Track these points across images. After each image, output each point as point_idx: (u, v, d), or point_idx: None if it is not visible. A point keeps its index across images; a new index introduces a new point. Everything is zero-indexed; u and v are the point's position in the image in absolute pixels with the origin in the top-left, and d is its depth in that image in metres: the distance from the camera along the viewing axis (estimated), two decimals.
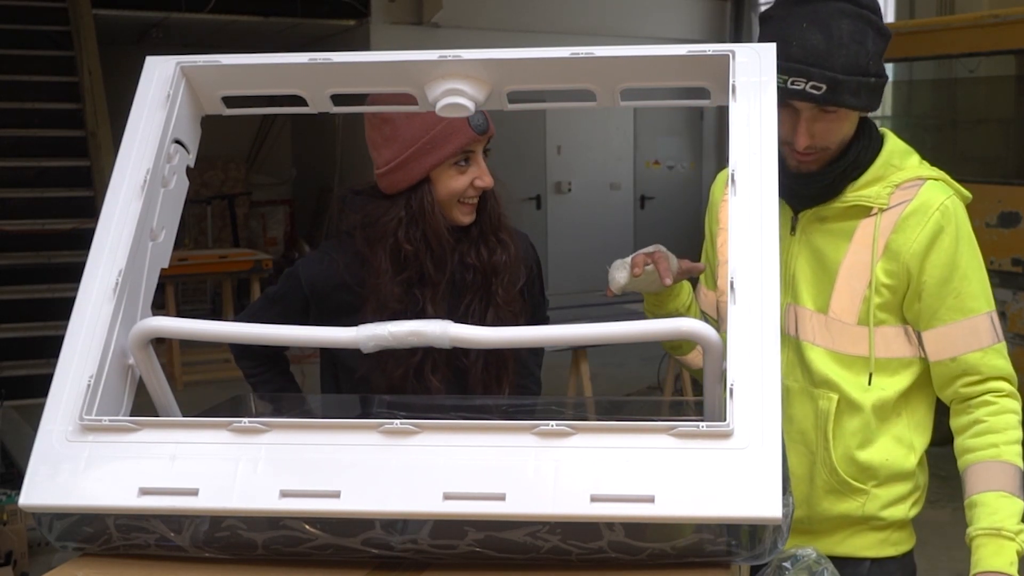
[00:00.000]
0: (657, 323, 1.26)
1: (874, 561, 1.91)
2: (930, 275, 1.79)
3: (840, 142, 1.80)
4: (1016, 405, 1.81)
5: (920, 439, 1.91)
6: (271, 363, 2.09)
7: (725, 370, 1.20)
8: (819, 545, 1.84)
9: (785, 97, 1.72)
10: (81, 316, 1.30)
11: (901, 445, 1.88)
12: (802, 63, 1.72)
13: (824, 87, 1.71)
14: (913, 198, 1.80)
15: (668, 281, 1.77)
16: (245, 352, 2.08)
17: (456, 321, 1.81)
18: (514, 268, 1.96)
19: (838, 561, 1.87)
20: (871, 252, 1.80)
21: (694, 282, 2.06)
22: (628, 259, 1.81)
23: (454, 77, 1.46)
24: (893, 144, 1.87)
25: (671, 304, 1.97)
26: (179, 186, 1.47)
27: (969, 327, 1.80)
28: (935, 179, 1.84)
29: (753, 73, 1.39)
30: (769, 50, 1.41)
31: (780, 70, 1.70)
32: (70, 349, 1.28)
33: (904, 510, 1.91)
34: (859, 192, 1.82)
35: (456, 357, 1.91)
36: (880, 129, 1.90)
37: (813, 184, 1.83)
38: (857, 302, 1.82)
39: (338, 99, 1.55)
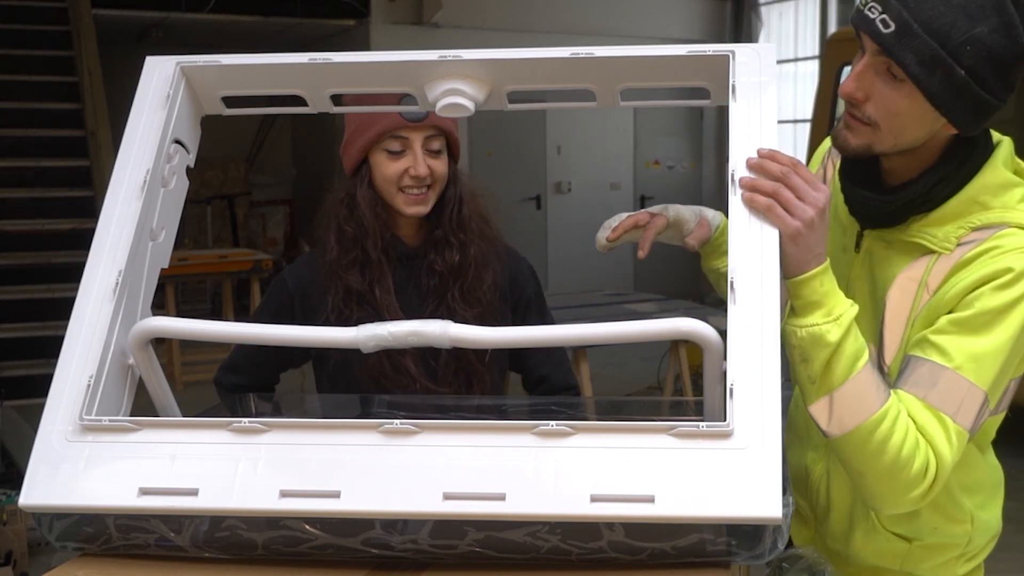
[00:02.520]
0: (657, 323, 1.26)
1: None
2: (953, 304, 1.41)
3: (895, 132, 1.43)
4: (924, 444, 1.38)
5: (973, 501, 1.60)
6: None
7: (725, 370, 1.20)
8: None
9: (854, 22, 1.42)
10: (81, 316, 1.30)
11: (949, 514, 1.58)
12: None
13: (894, 27, 1.36)
14: (984, 240, 1.42)
15: (642, 254, 1.65)
16: (240, 367, 2.03)
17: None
18: (478, 269, 1.94)
19: None
20: (910, 307, 1.48)
21: None
22: (618, 217, 1.70)
23: (454, 77, 1.46)
24: (992, 175, 1.47)
25: (717, 261, 1.71)
26: (179, 186, 1.47)
27: (940, 377, 1.39)
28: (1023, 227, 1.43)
29: (753, 73, 1.39)
30: (769, 50, 1.41)
31: None
32: (70, 349, 1.28)
33: (952, 570, 1.63)
34: (925, 228, 1.48)
35: (425, 352, 1.90)
36: (997, 150, 1.51)
37: (871, 207, 1.52)
38: (896, 344, 1.50)
39: (338, 99, 1.55)
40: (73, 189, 8.16)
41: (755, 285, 1.24)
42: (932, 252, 1.46)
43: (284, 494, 1.17)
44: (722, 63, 1.41)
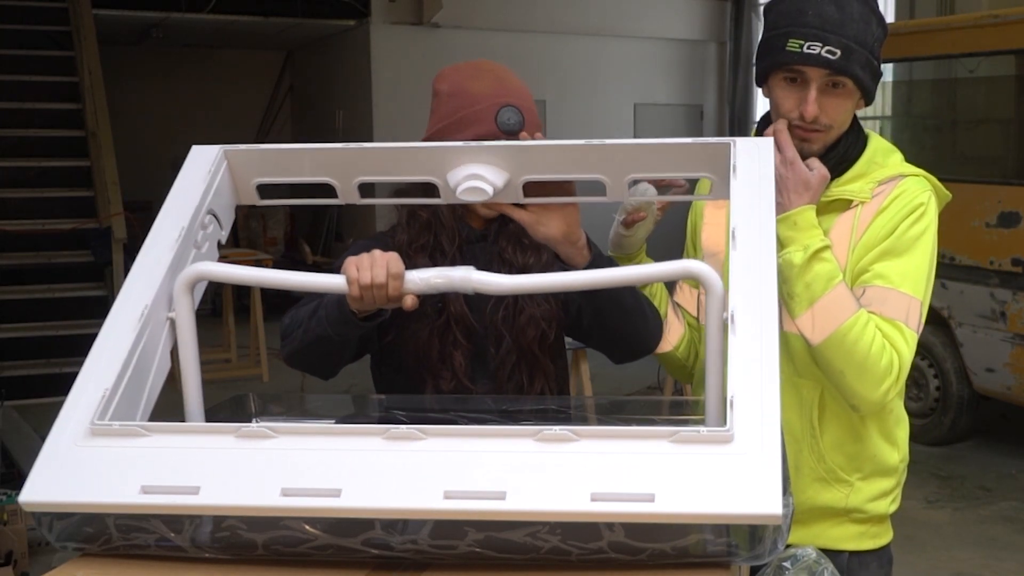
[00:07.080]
0: (664, 265, 1.34)
1: (852, 553, 1.94)
2: (884, 240, 1.80)
3: (840, 125, 1.83)
4: (894, 347, 1.76)
5: (902, 433, 1.96)
6: None
7: (726, 318, 1.24)
8: (798, 536, 1.88)
9: (799, 62, 1.77)
10: (116, 321, 1.35)
11: (886, 440, 1.92)
12: (818, 29, 1.77)
13: (839, 52, 1.75)
14: (893, 190, 1.84)
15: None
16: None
17: (487, 318, 1.84)
18: (544, 268, 1.89)
19: None
20: (848, 244, 1.82)
21: (670, 286, 2.06)
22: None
23: (475, 163, 1.53)
24: (877, 143, 1.91)
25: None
26: (210, 254, 1.53)
27: (887, 295, 1.77)
28: (916, 175, 1.88)
29: (753, 160, 1.46)
30: (767, 144, 1.50)
31: (796, 35, 1.77)
32: (95, 356, 1.32)
33: (885, 505, 1.95)
34: (843, 187, 1.85)
35: (481, 343, 1.86)
36: (865, 130, 1.93)
37: None
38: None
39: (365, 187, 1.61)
40: (73, 189, 8.16)
41: (754, 290, 1.25)
42: (850, 204, 1.84)
43: (285, 492, 1.17)
44: (722, 152, 1.49)
